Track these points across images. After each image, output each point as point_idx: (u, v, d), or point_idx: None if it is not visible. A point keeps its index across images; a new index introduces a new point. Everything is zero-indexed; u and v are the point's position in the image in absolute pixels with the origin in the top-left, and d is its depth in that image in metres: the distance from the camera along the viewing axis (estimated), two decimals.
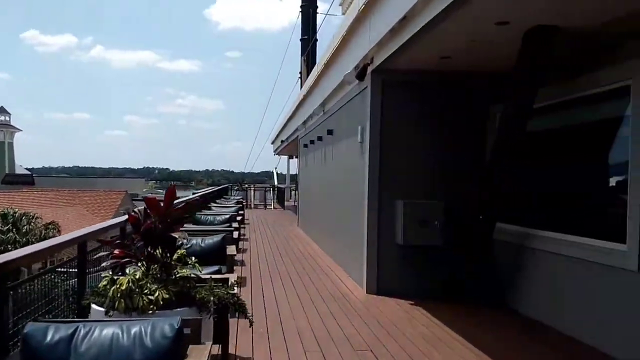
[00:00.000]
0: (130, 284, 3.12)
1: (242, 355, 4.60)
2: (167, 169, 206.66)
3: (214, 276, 4.05)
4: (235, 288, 3.93)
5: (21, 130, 73.70)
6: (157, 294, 3.13)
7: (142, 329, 2.41)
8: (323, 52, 10.77)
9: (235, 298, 3.60)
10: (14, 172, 67.19)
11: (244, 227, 14.98)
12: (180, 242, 3.49)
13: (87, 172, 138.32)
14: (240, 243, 11.64)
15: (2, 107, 69.95)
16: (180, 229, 8.12)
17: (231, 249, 6.53)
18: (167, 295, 3.17)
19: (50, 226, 27.59)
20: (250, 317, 3.67)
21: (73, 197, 44.53)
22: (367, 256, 7.30)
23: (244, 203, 18.93)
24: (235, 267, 6.76)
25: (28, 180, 62.04)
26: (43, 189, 48.10)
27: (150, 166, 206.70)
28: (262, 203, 26.48)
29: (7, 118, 69.80)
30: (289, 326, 5.61)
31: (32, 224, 26.86)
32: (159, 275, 3.34)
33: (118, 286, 3.12)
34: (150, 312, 3.10)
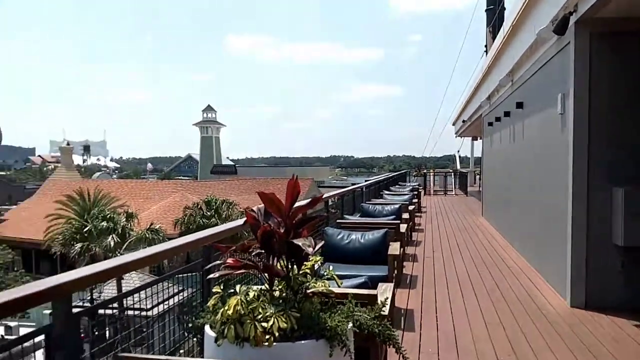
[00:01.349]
0: (239, 307, 2.40)
1: None
2: (351, 156, 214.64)
3: (357, 291, 3.16)
4: (386, 307, 2.99)
5: (225, 126, 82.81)
6: (272, 322, 2.36)
7: None
8: (510, 9, 9.08)
9: (383, 326, 2.67)
10: (220, 163, 75.95)
11: (419, 216, 13.92)
12: (308, 251, 2.65)
13: (282, 162, 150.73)
14: (414, 234, 10.64)
15: (209, 105, 79.55)
16: (342, 221, 7.51)
17: (394, 248, 5.59)
18: (286, 324, 2.38)
19: (247, 210, 30.03)
20: (404, 352, 2.71)
21: (267, 185, 48.30)
22: (572, 259, 5.71)
23: (422, 189, 17.79)
24: (399, 268, 5.79)
25: (232, 170, 69.44)
26: (243, 178, 53.32)
27: (336, 154, 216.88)
28: (442, 189, 24.91)
29: (214, 115, 79.10)
30: (467, 347, 4.48)
31: (230, 209, 29.56)
32: (281, 294, 2.58)
33: (226, 308, 2.43)
34: (266, 343, 2.35)
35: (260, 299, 2.48)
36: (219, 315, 2.46)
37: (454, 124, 27.04)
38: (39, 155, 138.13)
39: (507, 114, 9.95)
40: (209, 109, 79.22)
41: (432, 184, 25.01)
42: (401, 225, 7.30)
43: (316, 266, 2.97)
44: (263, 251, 2.69)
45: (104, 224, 21.50)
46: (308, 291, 2.66)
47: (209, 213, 28.21)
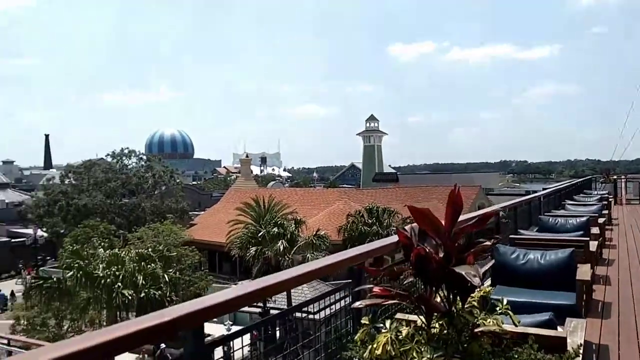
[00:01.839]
0: (389, 347, 2.02)
1: None
2: (524, 161, 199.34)
3: (541, 332, 2.54)
4: (579, 357, 2.35)
5: (387, 134, 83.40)
6: None
7: None
8: None
9: None
10: (382, 171, 76.55)
11: (610, 229, 11.99)
12: (474, 282, 2.14)
13: (446, 169, 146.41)
14: (604, 252, 9.10)
15: (372, 115, 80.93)
16: (515, 237, 6.54)
17: (584, 271, 4.77)
18: None
19: (407, 220, 29.54)
20: None
21: (430, 193, 47.10)
22: None
23: (611, 199, 15.37)
24: (589, 294, 4.82)
25: (393, 178, 69.45)
26: (404, 186, 52.82)
27: (507, 159, 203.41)
28: (638, 197, 21.38)
29: (376, 125, 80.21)
30: None
31: (391, 218, 29.33)
32: (440, 333, 2.13)
33: (374, 346, 2.06)
34: None
35: (415, 339, 2.07)
36: (367, 352, 2.11)
37: None
38: (224, 167, 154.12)
39: None
40: (371, 118, 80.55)
41: (623, 192, 21.63)
42: (591, 242, 6.17)
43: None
44: (417, 279, 2.28)
45: (275, 229, 22.86)
46: (476, 330, 2.17)
47: (370, 221, 28.36)
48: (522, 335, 2.32)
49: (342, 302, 3.39)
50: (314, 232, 24.03)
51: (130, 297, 15.15)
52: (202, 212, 50.25)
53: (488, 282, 4.80)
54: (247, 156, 57.98)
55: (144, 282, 15.70)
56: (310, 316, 3.37)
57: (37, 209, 43.53)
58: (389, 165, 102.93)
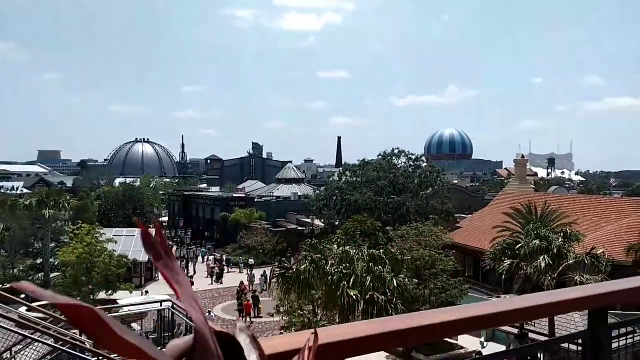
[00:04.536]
0: None
1: None
2: None
3: None
4: None
5: None
6: None
7: None
8: None
9: None
10: None
11: None
12: None
13: None
14: None
15: None
16: None
17: None
18: None
19: None
20: None
21: None
22: None
23: None
24: None
25: None
26: None
27: None
28: None
29: None
30: None
31: None
32: None
33: None
34: None
35: None
36: None
37: None
38: (505, 168, 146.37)
39: None
40: None
41: None
42: None
43: None
44: None
45: (537, 242, 19.47)
46: None
47: None
48: None
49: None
50: (589, 250, 19.57)
51: (355, 298, 14.72)
52: (469, 216, 48.03)
53: None
54: (523, 157, 52.75)
55: (371, 284, 15.10)
56: None
57: (317, 202, 48.56)
58: None
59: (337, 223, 45.46)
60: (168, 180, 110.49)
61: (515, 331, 19.08)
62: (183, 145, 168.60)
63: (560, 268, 19.04)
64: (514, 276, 20.87)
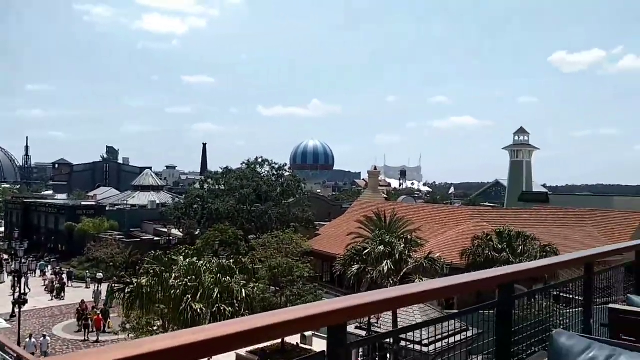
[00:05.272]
0: None
1: None
2: None
3: None
4: None
5: (539, 149, 75.40)
6: None
7: None
8: None
9: None
10: (530, 190, 69.15)
11: None
12: None
13: (612, 191, 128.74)
14: None
15: (521, 127, 73.77)
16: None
17: None
18: None
19: (547, 248, 25.25)
20: None
21: (583, 217, 40.82)
22: None
23: None
24: None
25: (542, 198, 62.09)
26: (554, 208, 46.63)
27: None
28: None
29: (526, 138, 72.85)
30: None
31: (527, 245, 25.30)
32: None
33: None
34: None
35: None
36: None
37: None
38: (363, 179, 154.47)
39: None
40: (521, 131, 73.51)
41: None
42: None
43: None
44: None
45: (381, 247, 20.76)
46: None
47: (500, 246, 24.71)
48: None
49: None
50: (427, 254, 21.38)
51: (200, 311, 14.26)
52: (329, 223, 49.80)
53: None
54: (375, 168, 56.40)
55: (219, 295, 14.81)
56: (419, 347, 3.17)
57: (175, 211, 46.73)
58: (543, 185, 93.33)
59: (197, 232, 44.16)
60: (7, 186, 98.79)
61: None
62: (27, 147, 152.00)
63: (402, 272, 20.49)
64: (362, 280, 22.02)
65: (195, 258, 17.21)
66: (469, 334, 3.60)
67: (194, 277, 15.41)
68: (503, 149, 75.34)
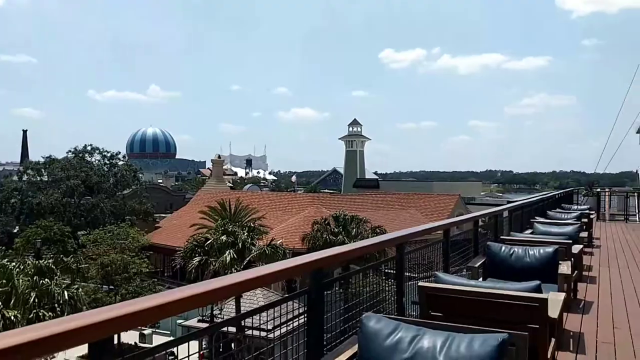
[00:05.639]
0: None
1: None
2: (510, 171, 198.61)
3: (525, 294, 3.13)
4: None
5: (370, 139, 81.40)
6: None
7: (466, 341, 2.26)
8: None
9: None
10: (363, 177, 74.46)
11: (591, 253, 9.94)
12: None
13: (432, 177, 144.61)
14: (582, 287, 6.99)
15: (354, 119, 78.94)
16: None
17: (565, 267, 5.01)
18: None
19: (377, 230, 27.44)
20: None
21: (407, 201, 45.23)
22: None
23: (593, 215, 13.31)
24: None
25: (374, 184, 67.43)
26: (384, 193, 50.84)
27: (493, 169, 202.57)
28: (623, 213, 19.47)
29: (359, 129, 78.21)
30: None
31: (360, 227, 27.21)
32: None
33: None
34: None
35: None
36: None
37: (638, 132, 21.37)
38: (208, 168, 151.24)
39: None
40: (354, 123, 78.59)
41: (607, 207, 19.70)
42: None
43: None
44: None
45: (224, 237, 20.57)
46: None
47: (336, 229, 26.21)
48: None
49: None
50: (269, 241, 21.77)
51: (14, 319, 12.66)
52: (170, 215, 47.86)
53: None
54: (219, 157, 55.54)
55: (37, 300, 13.33)
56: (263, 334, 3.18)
57: None
58: (375, 172, 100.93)
59: (15, 230, 39.09)
60: None
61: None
62: None
63: (246, 260, 20.56)
64: (204, 272, 21.59)
65: (6, 260, 15.09)
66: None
67: (4, 281, 13.51)
68: (339, 139, 79.91)
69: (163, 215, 47.98)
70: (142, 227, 39.17)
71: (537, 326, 3.18)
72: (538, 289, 3.28)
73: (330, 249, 3.20)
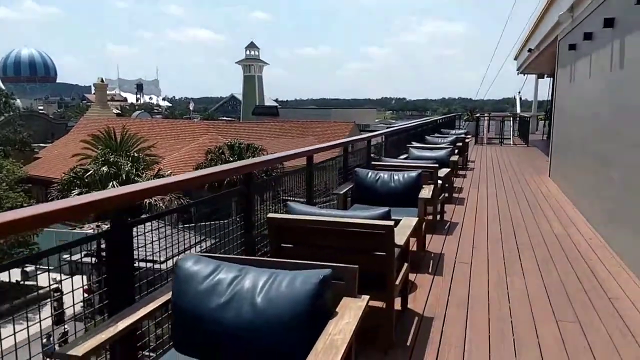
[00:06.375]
0: None
1: None
2: (403, 98, 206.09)
3: (370, 222, 3.07)
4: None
5: (269, 64, 79.27)
6: None
7: (288, 279, 2.10)
8: None
9: None
10: (262, 104, 73.02)
11: (464, 176, 10.46)
12: None
13: (331, 104, 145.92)
14: (450, 209, 7.29)
15: (251, 42, 75.91)
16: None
17: (427, 191, 4.98)
18: None
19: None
20: None
21: (306, 128, 45.26)
22: None
23: (469, 139, 14.00)
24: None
25: (273, 111, 66.43)
26: (283, 120, 50.32)
27: (388, 96, 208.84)
28: (498, 137, 20.88)
29: (256, 53, 75.55)
30: None
31: (256, 154, 26.78)
32: None
33: None
34: None
35: None
36: None
37: (516, 58, 22.57)
38: (94, 93, 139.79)
39: (609, 23, 6.16)
40: (251, 46, 75.66)
41: (485, 131, 20.98)
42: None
43: None
44: None
45: (105, 168, 19.19)
46: None
47: (231, 158, 25.56)
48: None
49: None
50: (157, 172, 20.70)
51: None
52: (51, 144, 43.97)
53: None
54: (102, 80, 51.01)
55: None
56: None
57: None
58: (275, 100, 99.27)
59: None
60: None
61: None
62: None
63: None
64: None
65: None
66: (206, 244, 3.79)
67: None
68: (236, 62, 76.85)
69: (43, 145, 43.99)
70: (18, 158, 35.69)
71: (384, 253, 3.09)
72: (387, 216, 3.18)
73: (142, 183, 2.97)
